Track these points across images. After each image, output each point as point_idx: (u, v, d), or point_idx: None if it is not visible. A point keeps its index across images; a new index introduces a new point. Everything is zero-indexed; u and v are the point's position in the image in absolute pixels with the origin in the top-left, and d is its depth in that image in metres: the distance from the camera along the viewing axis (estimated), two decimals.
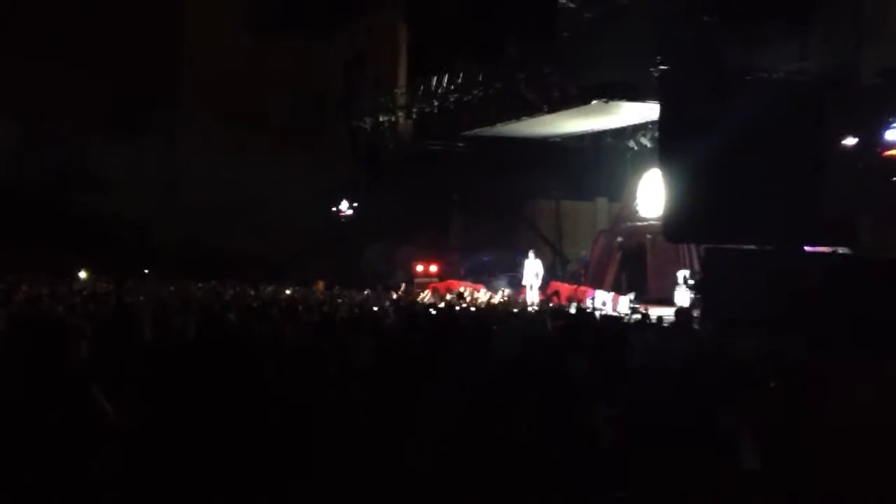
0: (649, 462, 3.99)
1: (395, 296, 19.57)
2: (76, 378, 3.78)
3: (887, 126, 13.65)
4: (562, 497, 3.82)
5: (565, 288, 21.34)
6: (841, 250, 15.21)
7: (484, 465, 3.96)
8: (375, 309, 13.73)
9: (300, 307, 12.72)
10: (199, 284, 20.14)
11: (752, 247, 15.39)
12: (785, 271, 13.59)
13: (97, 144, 28.49)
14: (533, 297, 19.63)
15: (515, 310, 14.69)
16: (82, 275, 24.53)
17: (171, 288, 19.11)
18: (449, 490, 3.57)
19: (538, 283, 20.74)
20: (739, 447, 3.86)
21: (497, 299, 19.41)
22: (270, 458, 3.76)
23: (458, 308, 14.13)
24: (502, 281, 24.61)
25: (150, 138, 29.89)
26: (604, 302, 19.28)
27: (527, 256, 21.50)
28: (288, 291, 19.46)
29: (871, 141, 14.03)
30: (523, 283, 21.04)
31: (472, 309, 12.70)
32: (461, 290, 21.35)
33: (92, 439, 3.49)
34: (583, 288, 20.45)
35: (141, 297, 14.63)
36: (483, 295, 20.35)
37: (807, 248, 15.45)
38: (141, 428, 3.69)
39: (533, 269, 20.85)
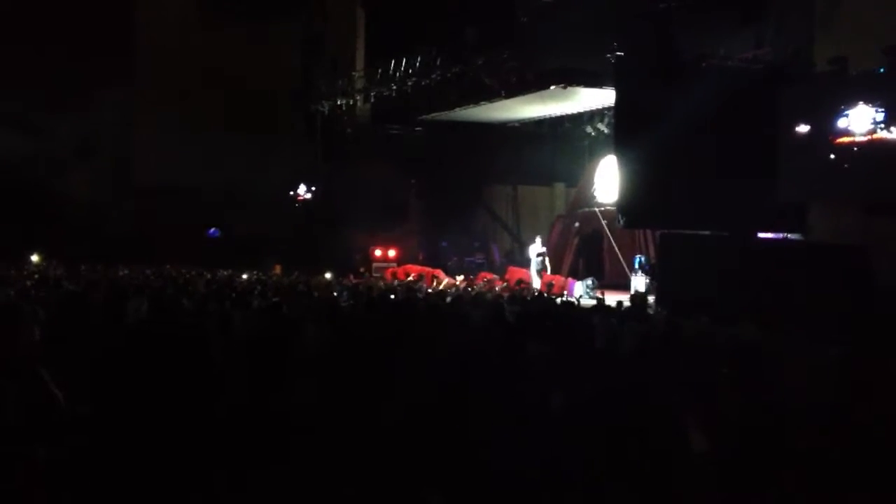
0: (605, 447, 4.03)
1: (353, 281, 19.51)
2: (26, 363, 3.72)
3: (839, 114, 13.87)
4: (520, 486, 3.84)
5: (524, 273, 21.42)
6: (792, 236, 15.49)
7: (439, 455, 3.97)
8: (335, 294, 13.69)
9: (256, 291, 12.65)
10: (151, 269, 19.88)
11: (706, 232, 15.60)
12: (738, 257, 13.80)
13: (49, 124, 27.94)
14: (536, 284, 19.48)
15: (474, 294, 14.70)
16: (34, 258, 24.13)
17: (125, 271, 18.89)
18: (403, 479, 3.58)
19: (539, 268, 20.49)
20: (690, 429, 3.92)
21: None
22: (220, 446, 3.74)
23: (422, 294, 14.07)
24: (472, 264, 24.69)
25: (104, 118, 29.39)
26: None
27: (531, 242, 21.06)
28: (244, 276, 19.30)
29: (823, 129, 14.24)
30: (530, 269, 20.65)
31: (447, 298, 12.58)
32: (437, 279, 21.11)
33: (40, 424, 3.45)
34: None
35: (92, 281, 14.43)
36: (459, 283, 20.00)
37: (759, 235, 15.71)
38: (90, 414, 3.64)
39: (535, 253, 20.52)
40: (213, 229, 30.10)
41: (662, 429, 3.78)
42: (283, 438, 3.87)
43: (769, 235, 15.86)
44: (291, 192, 29.45)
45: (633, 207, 16.56)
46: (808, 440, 3.69)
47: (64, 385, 3.93)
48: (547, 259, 20.75)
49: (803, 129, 14.79)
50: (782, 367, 4.81)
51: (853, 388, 3.79)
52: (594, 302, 13.61)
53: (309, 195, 28.96)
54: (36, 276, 16.19)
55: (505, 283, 19.26)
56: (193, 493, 3.24)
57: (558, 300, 13.36)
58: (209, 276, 18.49)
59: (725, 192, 14.95)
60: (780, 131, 15.38)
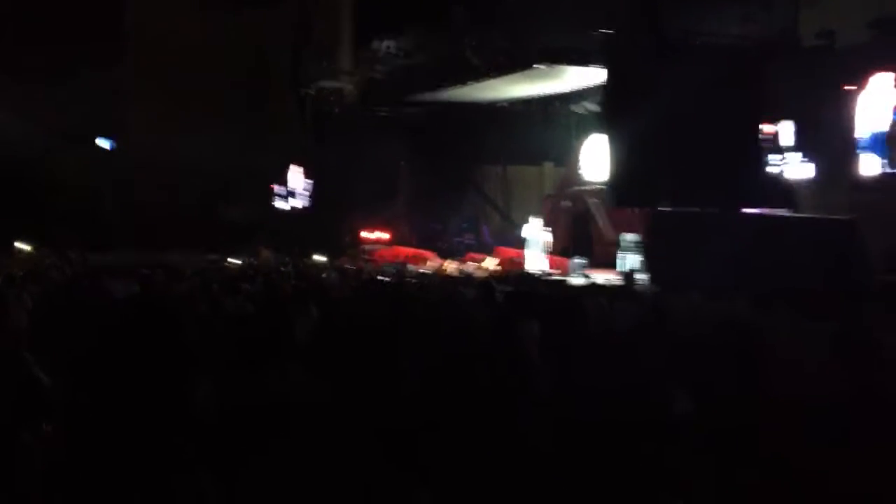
0: (596, 427, 4.02)
1: (344, 264, 19.49)
2: (11, 348, 3.70)
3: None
4: (516, 470, 3.83)
5: (514, 253, 21.42)
6: (781, 212, 15.51)
7: (431, 440, 3.95)
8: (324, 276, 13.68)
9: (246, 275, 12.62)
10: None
11: (696, 209, 15.61)
12: (728, 233, 13.81)
13: (38, 110, 27.72)
14: (542, 265, 19.37)
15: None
16: (25, 247, 23.95)
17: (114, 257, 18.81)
18: (391, 469, 3.56)
19: (541, 249, 20.32)
20: (673, 391, 3.95)
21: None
22: (204, 433, 3.73)
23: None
24: (462, 245, 24.69)
25: (94, 103, 29.19)
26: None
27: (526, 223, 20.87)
28: (232, 260, 19.24)
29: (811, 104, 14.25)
30: (530, 249, 20.38)
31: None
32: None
33: (24, 409, 3.42)
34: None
35: (81, 268, 14.37)
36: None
37: (748, 210, 15.73)
38: (74, 400, 3.62)
39: (534, 235, 20.23)
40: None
41: (656, 411, 3.78)
42: (270, 425, 3.85)
43: (759, 211, 15.87)
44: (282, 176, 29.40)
45: (623, 186, 16.57)
46: (799, 415, 3.70)
47: (50, 371, 3.91)
48: (549, 239, 20.55)
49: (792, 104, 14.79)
50: (770, 343, 4.81)
51: (845, 363, 3.79)
52: (583, 281, 13.64)
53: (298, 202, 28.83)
54: (26, 264, 16.11)
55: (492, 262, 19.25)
56: (176, 480, 3.22)
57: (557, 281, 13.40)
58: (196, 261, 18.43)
59: (714, 169, 14.96)
60: (769, 107, 15.39)
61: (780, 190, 15.41)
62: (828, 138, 14.11)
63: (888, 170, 13.23)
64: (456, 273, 16.75)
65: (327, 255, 23.33)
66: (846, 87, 13.72)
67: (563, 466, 3.70)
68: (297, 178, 29.29)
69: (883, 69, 13.05)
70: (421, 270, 17.25)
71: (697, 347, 4.89)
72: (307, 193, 28.76)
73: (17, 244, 23.44)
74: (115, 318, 5.25)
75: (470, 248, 24.27)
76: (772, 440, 3.65)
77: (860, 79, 13.45)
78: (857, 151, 13.70)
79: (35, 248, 23.29)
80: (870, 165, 13.46)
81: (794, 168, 15.22)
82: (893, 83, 13.07)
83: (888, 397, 3.55)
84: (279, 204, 29.30)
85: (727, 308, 8.32)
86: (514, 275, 15.64)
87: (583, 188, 22.92)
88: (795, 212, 15.12)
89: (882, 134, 13.30)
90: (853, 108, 13.74)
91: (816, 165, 14.66)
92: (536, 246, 19.93)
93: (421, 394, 4.55)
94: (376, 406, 4.28)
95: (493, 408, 4.29)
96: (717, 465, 3.50)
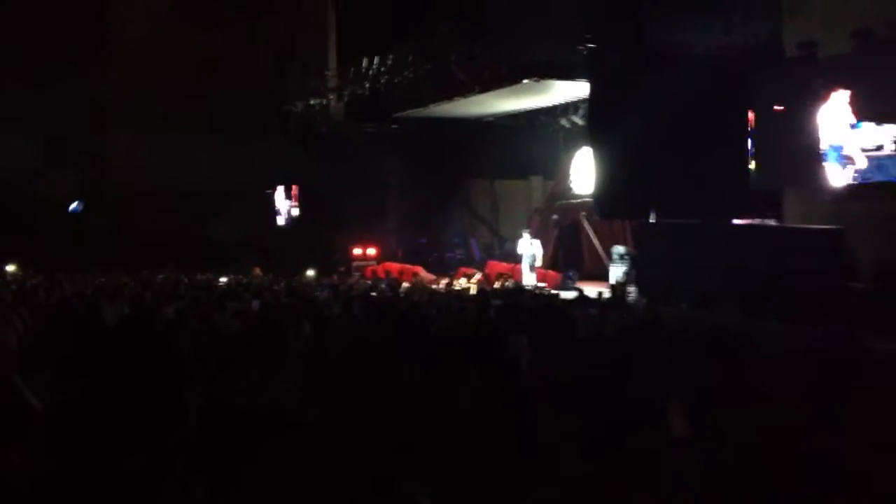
0: (586, 437, 4.05)
1: (335, 280, 19.48)
2: (2, 372, 3.69)
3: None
4: (505, 478, 3.84)
5: (505, 267, 21.47)
6: (768, 222, 15.60)
7: (420, 450, 3.96)
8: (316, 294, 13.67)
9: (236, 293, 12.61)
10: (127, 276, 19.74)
11: (682, 221, 15.69)
12: (715, 243, 13.89)
13: (19, 129, 27.67)
14: (530, 279, 19.35)
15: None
16: (10, 268, 23.85)
17: (103, 279, 18.75)
18: (382, 476, 3.57)
19: (538, 263, 20.21)
20: (670, 416, 3.95)
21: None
22: (196, 448, 3.72)
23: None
24: (451, 260, 24.71)
25: (76, 123, 29.17)
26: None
27: (521, 237, 20.73)
28: (223, 279, 19.22)
29: (795, 113, 14.35)
30: (524, 263, 20.30)
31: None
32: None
33: (12, 431, 3.41)
34: (518, 266, 20.53)
35: (70, 290, 14.33)
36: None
37: (735, 221, 15.82)
38: (63, 420, 3.60)
39: (529, 250, 20.09)
40: (75, 204, 29.69)
41: (643, 417, 3.80)
42: (261, 439, 3.85)
43: (745, 222, 15.96)
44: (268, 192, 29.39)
45: (608, 198, 16.64)
46: (786, 422, 3.73)
47: (42, 393, 3.90)
48: (539, 253, 20.55)
49: (775, 115, 14.89)
50: (759, 351, 4.85)
51: (828, 370, 3.83)
52: (574, 293, 13.67)
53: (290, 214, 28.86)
54: (13, 286, 16.03)
55: (484, 277, 19.27)
56: (168, 494, 3.22)
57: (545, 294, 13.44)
58: (187, 280, 18.41)
59: (700, 179, 15.06)
60: (753, 118, 15.50)
61: (767, 200, 15.51)
62: (803, 147, 14.25)
63: (852, 181, 13.45)
64: (446, 288, 16.76)
65: (318, 272, 23.34)
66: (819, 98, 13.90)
67: (552, 473, 3.72)
68: (280, 196, 29.38)
69: (843, 85, 13.27)
70: (412, 286, 17.24)
71: (687, 356, 4.92)
72: (291, 212, 28.83)
73: (8, 266, 23.37)
74: (107, 340, 5.25)
75: (461, 263, 24.31)
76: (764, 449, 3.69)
77: (829, 91, 13.64)
78: (823, 162, 13.89)
79: (20, 269, 23.21)
80: (835, 176, 13.69)
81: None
82: (848, 100, 13.33)
83: (873, 401, 3.59)
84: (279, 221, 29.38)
85: (714, 317, 8.36)
86: (505, 289, 15.66)
87: (571, 201, 23.00)
88: (781, 222, 15.22)
89: (839, 147, 13.57)
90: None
91: (798, 174, 14.76)
92: (529, 260, 19.94)
93: (413, 404, 4.56)
94: (369, 418, 4.29)
95: (484, 417, 4.32)
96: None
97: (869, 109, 13.12)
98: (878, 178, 12.95)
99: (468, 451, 3.93)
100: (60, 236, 26.64)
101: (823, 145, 13.78)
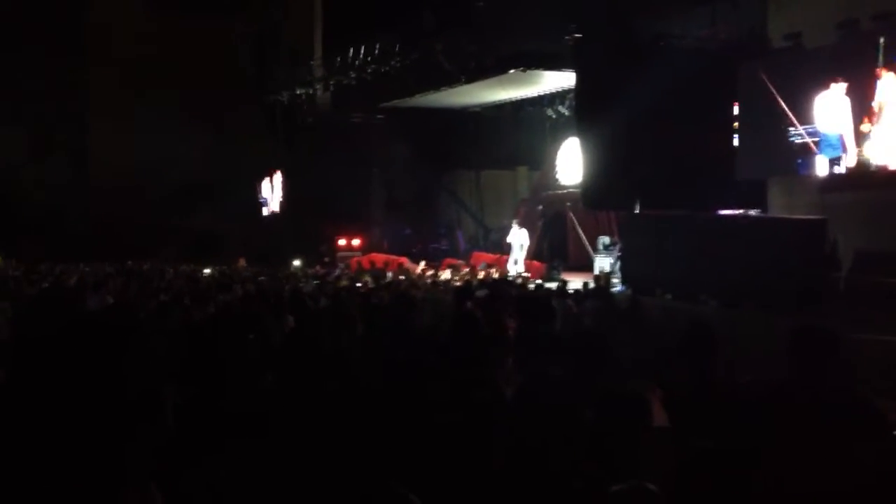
0: (564, 427, 4.03)
1: (320, 271, 19.41)
2: None
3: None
4: (483, 474, 3.82)
5: (489, 257, 21.44)
6: (752, 212, 15.62)
7: (401, 446, 3.94)
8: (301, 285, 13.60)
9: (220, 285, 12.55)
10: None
11: (668, 211, 15.70)
12: (699, 234, 13.90)
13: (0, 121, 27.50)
14: (519, 269, 19.29)
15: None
16: None
17: (86, 269, 18.66)
18: (363, 474, 3.54)
19: (523, 254, 20.03)
20: (649, 404, 3.95)
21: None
22: (172, 442, 3.70)
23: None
24: (436, 251, 24.67)
25: (59, 115, 28.99)
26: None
27: (511, 227, 20.53)
28: (207, 270, 19.13)
29: (780, 105, 14.37)
30: (511, 254, 20.23)
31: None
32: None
33: None
34: (505, 257, 20.52)
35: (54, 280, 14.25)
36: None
37: (720, 212, 15.83)
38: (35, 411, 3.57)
39: (519, 240, 20.01)
40: None
41: (620, 405, 3.78)
42: (238, 434, 3.83)
43: (729, 212, 15.98)
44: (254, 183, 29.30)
45: (594, 189, 16.64)
46: (760, 414, 3.73)
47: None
48: (527, 244, 20.49)
49: (761, 106, 14.91)
50: (735, 341, 4.85)
51: (803, 361, 3.83)
52: (557, 283, 13.69)
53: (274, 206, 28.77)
54: None
55: (469, 269, 19.24)
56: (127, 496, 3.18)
57: (531, 285, 13.41)
58: (172, 271, 18.33)
59: (686, 170, 15.07)
60: (738, 109, 15.53)
61: (751, 190, 15.53)
62: (790, 138, 14.30)
63: (836, 170, 13.55)
64: (431, 279, 16.68)
65: (303, 263, 23.28)
66: (809, 88, 13.95)
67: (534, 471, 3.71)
68: (266, 186, 29.29)
69: (841, 76, 13.35)
70: (399, 277, 17.18)
71: (668, 345, 4.92)
72: (276, 203, 28.76)
73: None
74: (90, 330, 5.21)
75: (446, 254, 24.27)
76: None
77: (821, 81, 13.68)
78: (816, 153, 13.97)
79: (2, 259, 23.06)
80: (823, 166, 13.82)
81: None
82: (845, 91, 13.39)
83: (849, 394, 3.59)
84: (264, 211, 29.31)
85: (697, 308, 8.38)
86: (489, 279, 15.63)
87: (557, 192, 23.00)
88: (765, 212, 15.24)
89: (833, 136, 13.66)
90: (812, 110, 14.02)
91: (783, 164, 14.80)
92: (518, 250, 19.92)
93: (394, 397, 4.53)
94: (352, 412, 4.26)
95: (464, 409, 4.30)
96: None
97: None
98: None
99: (450, 452, 3.91)
100: (43, 228, 26.47)
101: (816, 136, 13.85)
